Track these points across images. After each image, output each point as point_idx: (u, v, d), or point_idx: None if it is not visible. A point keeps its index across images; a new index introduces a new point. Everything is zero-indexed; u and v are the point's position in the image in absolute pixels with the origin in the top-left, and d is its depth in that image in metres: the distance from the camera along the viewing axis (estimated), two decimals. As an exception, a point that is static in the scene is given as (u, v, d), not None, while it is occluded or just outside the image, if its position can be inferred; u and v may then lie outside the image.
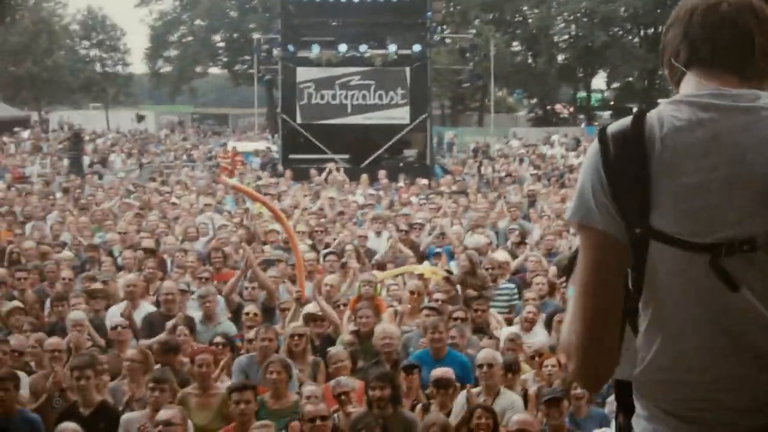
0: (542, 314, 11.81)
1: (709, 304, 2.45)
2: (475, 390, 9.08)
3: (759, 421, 2.50)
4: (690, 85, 2.61)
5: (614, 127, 2.55)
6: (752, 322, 2.44)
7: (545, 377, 9.56)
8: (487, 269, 13.53)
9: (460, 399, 8.87)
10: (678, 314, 2.47)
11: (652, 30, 74.42)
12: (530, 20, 73.14)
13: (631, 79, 74.03)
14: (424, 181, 26.92)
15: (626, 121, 2.54)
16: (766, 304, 2.43)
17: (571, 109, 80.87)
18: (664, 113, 2.51)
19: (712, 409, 2.51)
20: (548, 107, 79.48)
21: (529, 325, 11.47)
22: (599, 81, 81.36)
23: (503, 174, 31.02)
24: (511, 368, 9.55)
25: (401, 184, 26.28)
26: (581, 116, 78.29)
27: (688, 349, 2.49)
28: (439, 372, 8.98)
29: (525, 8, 73.63)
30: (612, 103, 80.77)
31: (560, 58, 75.83)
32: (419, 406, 9.09)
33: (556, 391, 8.55)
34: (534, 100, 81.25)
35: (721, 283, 2.41)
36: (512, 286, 13.56)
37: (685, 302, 2.46)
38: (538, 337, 11.22)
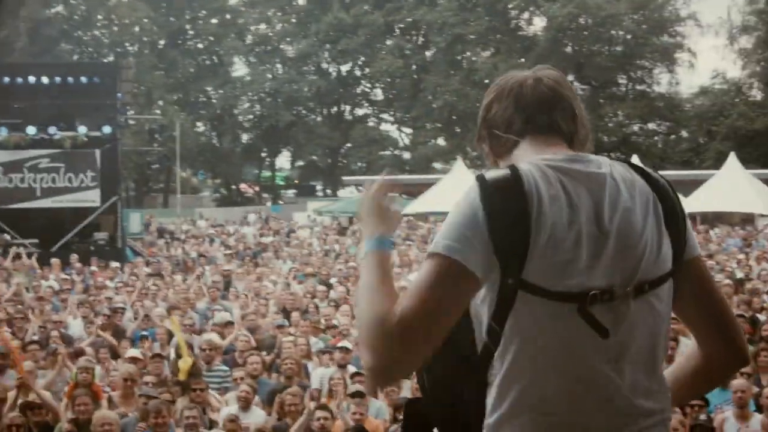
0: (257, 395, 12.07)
1: (572, 351, 2.64)
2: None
3: None
4: (529, 151, 2.84)
5: (494, 179, 2.68)
6: (608, 369, 2.67)
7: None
8: (203, 350, 13.71)
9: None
10: (541, 360, 2.63)
11: (335, 109, 76.88)
12: (214, 100, 73.82)
13: (314, 157, 75.77)
14: (117, 264, 26.59)
15: (504, 174, 2.68)
16: (623, 352, 2.68)
17: (257, 189, 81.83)
18: (533, 173, 2.68)
19: None
20: (233, 187, 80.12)
21: (245, 403, 11.65)
22: (283, 160, 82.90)
23: (195, 255, 31.06)
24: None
25: (94, 267, 25.86)
26: (266, 195, 79.38)
27: (549, 393, 2.65)
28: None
29: (209, 89, 74.26)
30: (296, 181, 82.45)
31: (245, 137, 76.83)
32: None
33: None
34: (219, 180, 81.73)
35: (591, 329, 2.63)
36: (225, 368, 13.74)
37: (550, 349, 2.63)
38: (255, 415, 11.43)
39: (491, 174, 2.70)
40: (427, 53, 75.80)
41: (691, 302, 2.89)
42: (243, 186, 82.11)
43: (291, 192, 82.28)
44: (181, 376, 12.49)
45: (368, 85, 79.19)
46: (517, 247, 2.59)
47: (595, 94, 71.34)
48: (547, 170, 2.70)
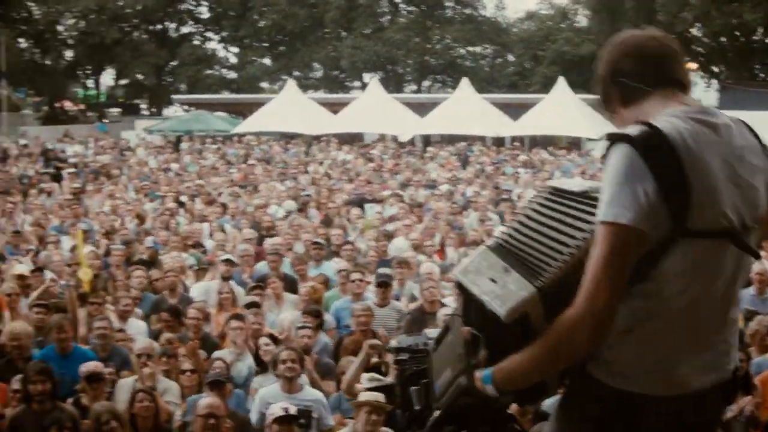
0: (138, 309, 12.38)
1: (714, 276, 3.05)
2: (130, 379, 9.53)
3: (710, 380, 3.14)
4: (659, 102, 3.15)
5: (642, 136, 2.91)
6: (725, 287, 3.10)
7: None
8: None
9: (125, 385, 9.34)
10: (688, 289, 3.00)
11: (161, 27, 75.51)
12: (37, 16, 71.61)
13: (139, 75, 74.53)
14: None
15: (648, 131, 2.93)
16: (741, 272, 3.15)
17: (81, 107, 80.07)
18: (677, 125, 2.97)
19: (670, 369, 3.09)
20: (57, 105, 78.18)
21: (126, 314, 11.82)
22: (107, 78, 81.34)
23: (33, 173, 30.37)
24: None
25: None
26: (91, 113, 77.79)
27: (683, 307, 3.03)
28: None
29: (31, 4, 71.97)
30: (121, 99, 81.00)
31: (69, 54, 74.95)
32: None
33: (219, 375, 9.06)
34: (41, 98, 79.60)
35: (730, 257, 3.04)
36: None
37: (699, 278, 3.01)
38: (135, 326, 11.68)
39: (635, 132, 2.94)
40: (255, -29, 74.97)
41: None
42: (67, 104, 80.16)
43: (115, 110, 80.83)
44: (86, 287, 12.59)
45: (194, 2, 78.12)
46: (682, 200, 2.88)
47: (423, 16, 72.05)
48: (688, 121, 3.01)
